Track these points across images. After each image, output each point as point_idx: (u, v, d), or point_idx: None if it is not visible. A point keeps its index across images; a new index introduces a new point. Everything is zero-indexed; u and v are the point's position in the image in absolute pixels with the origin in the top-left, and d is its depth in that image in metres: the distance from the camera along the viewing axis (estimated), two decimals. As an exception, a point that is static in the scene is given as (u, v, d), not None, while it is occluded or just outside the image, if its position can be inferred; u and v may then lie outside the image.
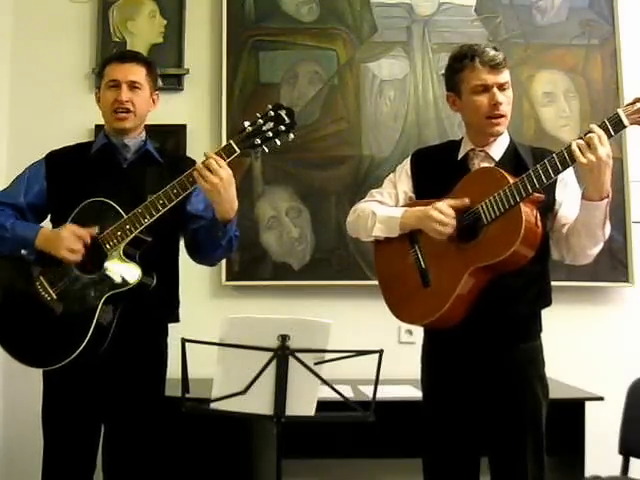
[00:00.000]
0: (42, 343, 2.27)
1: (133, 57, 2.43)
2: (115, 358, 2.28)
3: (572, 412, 2.89)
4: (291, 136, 2.20)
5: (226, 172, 2.18)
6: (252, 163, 3.36)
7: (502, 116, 2.18)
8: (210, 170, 2.17)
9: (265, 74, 3.45)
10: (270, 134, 2.17)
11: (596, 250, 2.16)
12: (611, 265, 3.35)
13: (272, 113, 2.18)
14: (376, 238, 2.31)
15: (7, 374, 3.30)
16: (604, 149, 1.96)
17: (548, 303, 2.24)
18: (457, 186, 2.18)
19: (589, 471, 2.87)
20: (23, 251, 2.31)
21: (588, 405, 2.91)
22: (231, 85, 3.42)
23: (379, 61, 3.47)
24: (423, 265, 2.20)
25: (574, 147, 1.97)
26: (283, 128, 2.18)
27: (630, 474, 2.71)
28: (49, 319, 2.27)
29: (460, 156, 2.26)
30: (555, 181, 2.12)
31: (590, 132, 1.98)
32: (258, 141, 2.18)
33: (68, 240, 2.24)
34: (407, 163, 2.36)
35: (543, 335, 2.23)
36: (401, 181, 2.35)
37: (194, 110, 3.46)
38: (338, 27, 3.47)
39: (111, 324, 2.24)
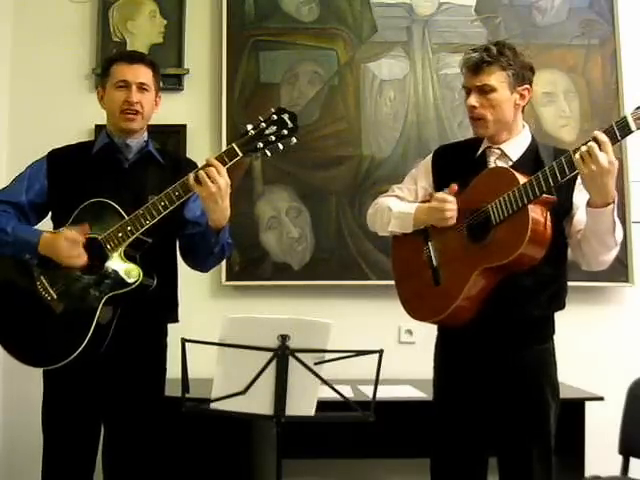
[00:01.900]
0: (42, 343, 2.27)
1: (141, 58, 2.44)
2: (115, 358, 2.28)
3: (572, 412, 2.88)
4: (294, 140, 2.20)
5: (224, 181, 2.18)
6: (252, 163, 3.36)
7: (478, 119, 2.18)
8: (209, 177, 2.16)
9: (265, 74, 3.45)
10: (273, 138, 2.18)
11: (610, 256, 2.15)
12: (611, 265, 3.31)
13: (275, 117, 2.18)
14: (392, 233, 2.32)
15: (7, 374, 3.30)
16: (606, 157, 1.93)
17: (561, 306, 2.23)
18: (470, 184, 2.18)
19: (589, 471, 2.87)
20: (27, 256, 2.31)
21: (588, 405, 2.91)
22: (231, 85, 3.42)
23: (379, 61, 3.46)
24: (435, 263, 2.21)
25: (577, 156, 1.95)
26: (286, 132, 2.18)
27: (630, 474, 2.71)
28: (49, 319, 2.27)
29: (478, 153, 2.25)
30: (574, 184, 2.11)
31: (592, 139, 1.94)
32: (261, 145, 2.19)
33: (65, 249, 2.24)
34: (429, 158, 2.37)
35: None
36: (421, 176, 2.36)
37: (194, 110, 3.46)
38: (338, 27, 3.47)
39: (110, 324, 2.24)
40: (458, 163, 2.26)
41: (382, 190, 2.51)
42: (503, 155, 2.22)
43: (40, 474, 2.37)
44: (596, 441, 2.94)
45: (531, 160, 2.18)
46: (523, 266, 2.05)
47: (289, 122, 2.18)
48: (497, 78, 2.14)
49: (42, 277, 2.29)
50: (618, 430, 2.77)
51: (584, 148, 1.94)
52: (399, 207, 2.30)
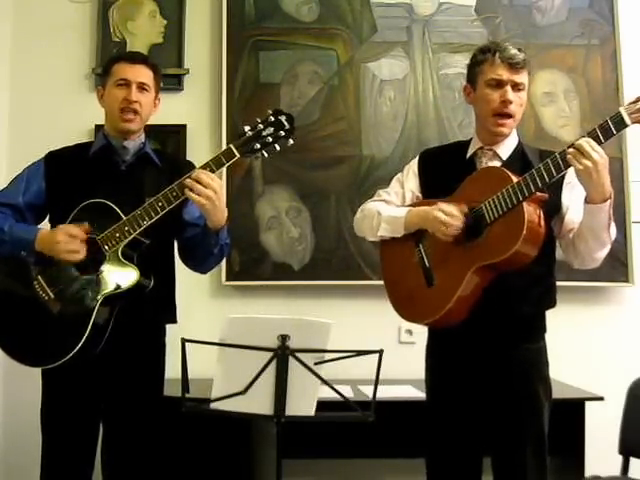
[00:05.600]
0: (39, 342, 2.27)
1: (143, 59, 2.45)
2: (113, 358, 2.28)
3: (572, 412, 2.88)
4: (290, 142, 2.22)
5: (218, 183, 2.21)
6: (252, 163, 3.36)
7: (510, 116, 2.18)
8: (202, 183, 2.17)
9: (265, 74, 3.44)
10: (270, 139, 2.20)
11: (603, 253, 2.16)
12: (611, 265, 3.34)
13: (272, 118, 2.20)
14: (381, 238, 2.32)
15: (7, 374, 3.30)
16: (596, 153, 1.95)
17: (552, 304, 2.24)
18: (461, 185, 2.18)
19: (589, 471, 2.87)
20: (23, 252, 2.32)
21: (588, 405, 2.91)
22: (231, 85, 3.42)
23: (379, 61, 3.46)
24: (427, 264, 2.20)
25: (569, 156, 1.98)
26: (283, 134, 2.20)
27: (630, 474, 2.71)
28: (47, 318, 2.27)
29: (469, 154, 2.26)
30: (562, 184, 2.13)
31: (581, 137, 1.98)
32: (258, 146, 2.21)
33: (64, 242, 2.24)
34: (415, 162, 2.37)
35: (543, 335, 2.23)
36: (408, 180, 2.35)
37: (194, 110, 3.46)
38: (338, 27, 3.47)
39: (108, 324, 2.24)
40: (446, 164, 2.27)
41: (382, 190, 2.50)
42: (495, 155, 2.24)
43: (39, 473, 2.37)
44: (596, 441, 2.94)
45: (519, 160, 2.21)
46: (518, 264, 2.05)
47: (286, 124, 2.20)
48: (526, 80, 2.19)
49: (40, 277, 2.29)
50: (618, 430, 2.77)
51: (571, 150, 1.98)
52: (389, 211, 2.30)
